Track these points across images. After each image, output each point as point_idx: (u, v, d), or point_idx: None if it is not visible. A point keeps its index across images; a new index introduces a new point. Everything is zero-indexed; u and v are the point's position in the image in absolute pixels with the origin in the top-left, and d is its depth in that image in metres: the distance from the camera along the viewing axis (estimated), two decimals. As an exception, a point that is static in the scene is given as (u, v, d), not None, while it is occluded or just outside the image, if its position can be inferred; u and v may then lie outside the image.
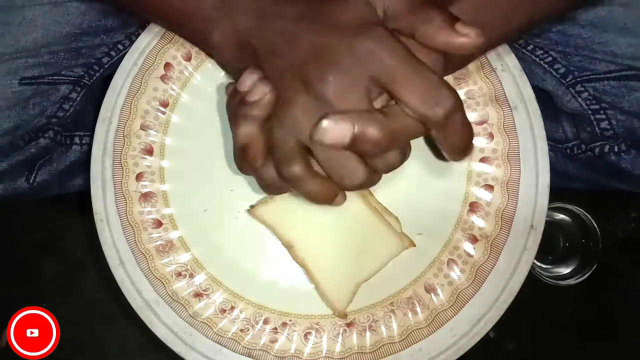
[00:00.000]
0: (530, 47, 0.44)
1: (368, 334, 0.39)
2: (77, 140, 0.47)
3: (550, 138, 0.48)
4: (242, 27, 0.32)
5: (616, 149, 0.43)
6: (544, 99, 0.44)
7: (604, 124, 0.43)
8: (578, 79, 0.43)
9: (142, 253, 0.39)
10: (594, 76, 0.42)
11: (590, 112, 0.43)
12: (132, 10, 0.39)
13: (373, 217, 0.38)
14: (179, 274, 0.39)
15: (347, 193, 0.37)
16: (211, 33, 0.33)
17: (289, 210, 0.38)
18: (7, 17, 0.40)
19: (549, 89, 0.45)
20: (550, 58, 0.43)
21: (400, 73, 0.28)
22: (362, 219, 0.38)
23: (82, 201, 0.40)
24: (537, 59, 0.44)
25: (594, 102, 0.42)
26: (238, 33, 0.32)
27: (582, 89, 0.43)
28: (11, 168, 0.43)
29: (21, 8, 0.40)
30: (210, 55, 0.38)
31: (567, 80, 0.43)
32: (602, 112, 0.42)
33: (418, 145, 0.39)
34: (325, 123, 0.28)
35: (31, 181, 0.45)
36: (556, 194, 0.41)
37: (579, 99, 0.43)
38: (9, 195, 0.45)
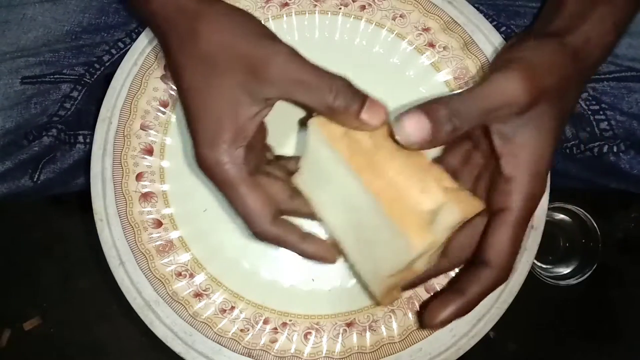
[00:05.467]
0: None
1: (368, 334, 0.39)
2: (80, 139, 0.47)
3: None
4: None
5: (615, 149, 0.43)
6: None
7: (603, 125, 0.43)
8: None
9: (142, 253, 0.39)
10: (594, 77, 0.42)
11: (589, 112, 0.43)
12: None
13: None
14: (179, 274, 0.39)
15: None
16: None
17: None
18: (7, 15, 0.40)
19: None
20: None
21: None
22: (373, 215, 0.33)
23: (82, 201, 0.40)
24: None
25: (594, 102, 0.42)
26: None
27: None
28: (15, 167, 0.43)
29: (21, 6, 0.40)
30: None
31: None
32: (601, 112, 0.42)
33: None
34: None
35: (35, 179, 0.45)
36: (556, 194, 0.40)
37: (579, 100, 0.43)
38: (13, 194, 0.45)
